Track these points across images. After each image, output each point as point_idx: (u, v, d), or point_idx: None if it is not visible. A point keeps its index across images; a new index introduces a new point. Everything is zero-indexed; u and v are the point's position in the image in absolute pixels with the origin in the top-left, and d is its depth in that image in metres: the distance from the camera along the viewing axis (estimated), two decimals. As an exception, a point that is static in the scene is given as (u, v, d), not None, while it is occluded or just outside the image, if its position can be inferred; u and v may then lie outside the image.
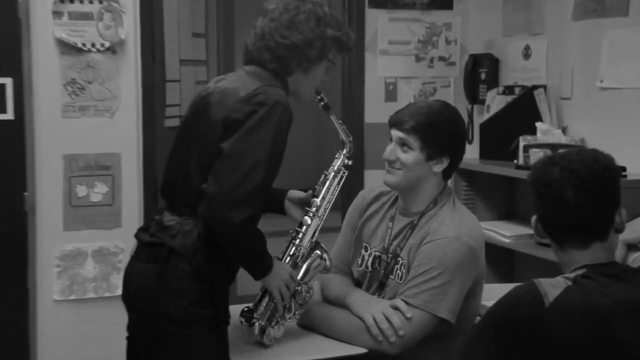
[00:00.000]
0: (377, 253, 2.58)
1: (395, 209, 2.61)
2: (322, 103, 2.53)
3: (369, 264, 2.60)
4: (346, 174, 2.57)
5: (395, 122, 2.52)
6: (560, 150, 2.22)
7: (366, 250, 2.63)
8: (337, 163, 2.57)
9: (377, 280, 2.57)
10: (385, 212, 2.64)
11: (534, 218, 2.11)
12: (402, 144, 2.48)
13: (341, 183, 2.56)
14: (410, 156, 2.48)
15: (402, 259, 2.49)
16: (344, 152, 2.58)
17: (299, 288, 2.45)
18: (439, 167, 2.50)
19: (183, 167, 2.37)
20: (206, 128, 2.33)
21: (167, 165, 2.48)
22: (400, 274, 2.49)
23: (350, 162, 2.58)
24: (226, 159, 2.23)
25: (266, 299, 2.44)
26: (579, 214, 1.98)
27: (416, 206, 2.54)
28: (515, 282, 2.42)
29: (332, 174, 2.55)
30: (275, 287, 2.38)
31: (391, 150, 2.51)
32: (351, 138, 2.59)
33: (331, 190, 2.54)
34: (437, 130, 2.46)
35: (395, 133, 2.50)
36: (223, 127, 2.28)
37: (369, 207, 2.69)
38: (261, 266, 2.34)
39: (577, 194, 1.97)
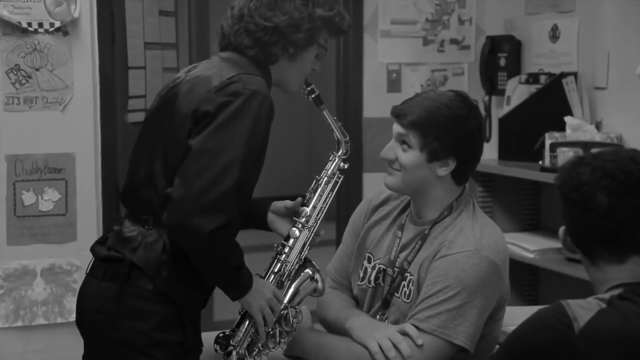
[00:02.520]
0: (382, 266, 2.59)
1: (406, 216, 2.62)
2: (313, 95, 2.53)
3: (372, 278, 2.61)
4: (341, 178, 2.57)
5: (395, 113, 2.52)
6: (593, 150, 2.23)
7: (369, 262, 2.63)
8: (330, 166, 2.57)
9: (380, 298, 2.58)
10: (394, 219, 2.65)
11: (562, 229, 2.11)
12: (402, 141, 2.49)
13: (335, 189, 2.56)
14: (409, 156, 2.48)
15: (411, 275, 2.49)
16: (339, 153, 2.58)
17: (285, 312, 2.45)
18: (443, 171, 2.50)
19: (146, 169, 2.38)
20: (173, 122, 2.34)
21: (129, 166, 2.48)
22: (407, 292, 2.50)
23: (346, 166, 2.59)
24: (195, 158, 2.24)
25: (246, 323, 2.44)
26: (613, 222, 1.99)
27: (428, 213, 2.55)
28: (541, 305, 2.44)
29: (325, 179, 2.56)
30: (257, 307, 2.38)
31: (389, 147, 2.52)
32: (347, 137, 2.59)
33: (323, 198, 2.54)
34: (442, 128, 2.46)
35: (395, 127, 2.51)
36: (192, 121, 2.29)
37: (375, 211, 2.70)
38: (239, 283, 2.34)
39: (611, 198, 1.98)
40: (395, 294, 2.52)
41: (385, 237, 2.63)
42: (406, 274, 2.51)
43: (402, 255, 2.54)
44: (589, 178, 2.00)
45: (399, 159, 2.49)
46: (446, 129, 2.46)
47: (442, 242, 2.46)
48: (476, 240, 2.43)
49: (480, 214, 2.55)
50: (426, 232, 2.52)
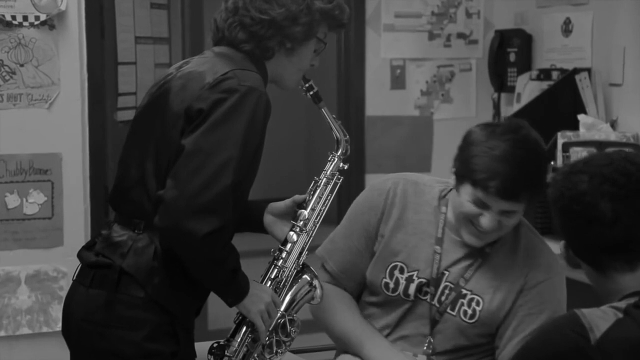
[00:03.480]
0: (423, 280, 2.56)
1: (441, 230, 2.58)
2: (311, 92, 2.53)
3: (411, 292, 2.57)
4: (341, 179, 2.58)
5: (505, 194, 2.39)
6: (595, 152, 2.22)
7: (402, 272, 2.59)
8: (330, 167, 2.58)
9: (426, 315, 2.56)
10: (425, 228, 2.59)
11: (561, 244, 2.12)
12: (505, 212, 2.45)
13: (335, 191, 2.57)
14: (515, 219, 2.48)
15: (479, 297, 2.50)
16: (339, 153, 2.59)
17: (282, 320, 2.45)
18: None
19: (137, 170, 2.38)
20: (165, 121, 2.34)
21: (119, 167, 2.48)
22: (470, 313, 2.50)
23: (345, 166, 2.59)
24: (188, 158, 2.24)
25: (242, 332, 2.43)
26: (620, 230, 1.99)
27: None
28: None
29: (324, 180, 2.56)
30: (257, 312, 2.38)
31: (492, 221, 2.43)
32: (347, 136, 2.60)
33: (322, 200, 2.55)
34: (543, 183, 2.45)
35: (502, 205, 2.41)
36: (185, 120, 2.29)
37: (392, 209, 2.63)
38: (237, 287, 2.34)
39: (615, 204, 1.98)
40: (450, 311, 2.52)
41: (419, 248, 2.58)
42: (465, 292, 2.52)
43: (454, 271, 2.54)
44: (588, 186, 2.01)
45: (507, 226, 2.48)
46: (543, 180, 2.47)
47: (525, 264, 2.52)
48: (554, 259, 2.53)
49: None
50: (487, 251, 2.53)
